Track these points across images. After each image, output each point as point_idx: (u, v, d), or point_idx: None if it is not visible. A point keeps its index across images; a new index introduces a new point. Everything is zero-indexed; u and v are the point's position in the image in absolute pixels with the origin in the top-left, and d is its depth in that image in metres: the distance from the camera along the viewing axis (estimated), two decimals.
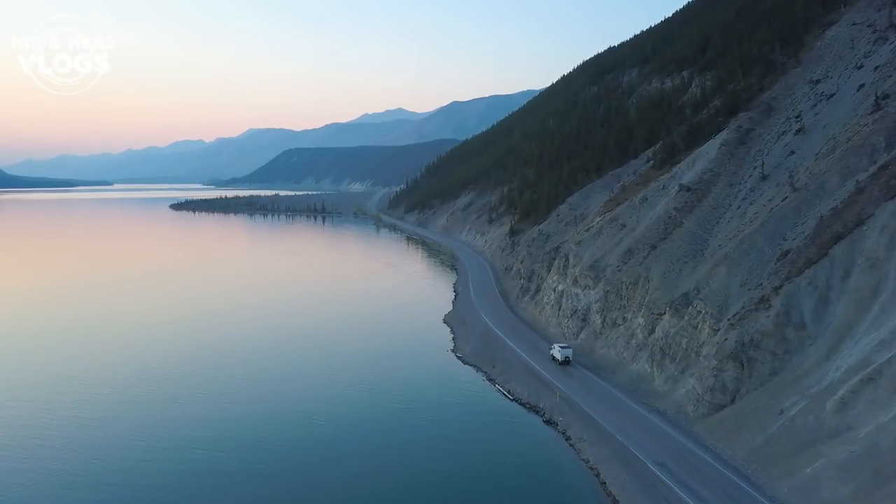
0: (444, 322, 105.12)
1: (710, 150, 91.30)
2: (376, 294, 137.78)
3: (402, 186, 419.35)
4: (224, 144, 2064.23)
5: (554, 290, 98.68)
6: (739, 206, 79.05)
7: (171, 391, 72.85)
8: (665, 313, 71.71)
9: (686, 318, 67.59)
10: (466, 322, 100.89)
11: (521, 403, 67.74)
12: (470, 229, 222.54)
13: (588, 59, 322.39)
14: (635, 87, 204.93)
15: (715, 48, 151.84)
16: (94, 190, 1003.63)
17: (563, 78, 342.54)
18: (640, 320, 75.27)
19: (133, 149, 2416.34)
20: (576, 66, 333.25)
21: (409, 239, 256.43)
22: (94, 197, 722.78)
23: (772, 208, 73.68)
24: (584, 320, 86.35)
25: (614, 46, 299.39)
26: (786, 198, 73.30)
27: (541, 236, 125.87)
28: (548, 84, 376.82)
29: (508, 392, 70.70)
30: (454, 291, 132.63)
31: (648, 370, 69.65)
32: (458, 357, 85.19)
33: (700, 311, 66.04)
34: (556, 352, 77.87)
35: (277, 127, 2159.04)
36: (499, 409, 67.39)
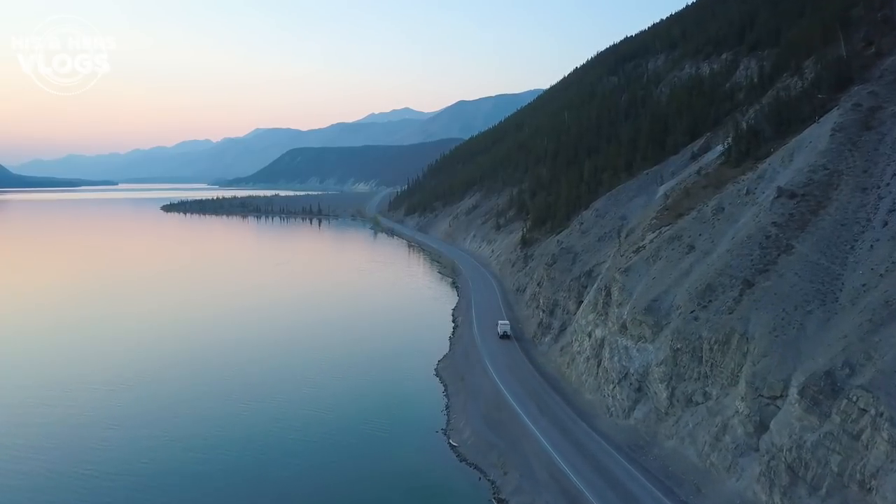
0: (436, 374, 77.17)
1: (816, 138, 63.42)
2: (356, 326, 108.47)
3: (403, 187, 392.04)
4: (230, 144, 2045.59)
5: (589, 335, 70.68)
6: (886, 223, 51.13)
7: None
8: (787, 398, 43.99)
9: (835, 415, 39.77)
10: (466, 379, 72.59)
11: None
12: (475, 236, 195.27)
13: (604, 49, 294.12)
14: (663, 74, 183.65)
15: (764, 23, 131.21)
16: (97, 190, 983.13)
17: (577, 70, 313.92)
18: (740, 405, 47.48)
19: (140, 149, 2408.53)
20: (590, 57, 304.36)
21: (409, 246, 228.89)
22: (92, 197, 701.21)
23: None
24: (639, 390, 58.34)
25: (631, 36, 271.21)
26: None
27: (564, 253, 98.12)
28: (555, 82, 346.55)
29: None
30: (453, 322, 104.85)
31: (764, 499, 41.95)
32: (451, 446, 57.21)
33: (864, 410, 38.23)
34: (499, 327, 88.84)
35: (284, 127, 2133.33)
36: None
